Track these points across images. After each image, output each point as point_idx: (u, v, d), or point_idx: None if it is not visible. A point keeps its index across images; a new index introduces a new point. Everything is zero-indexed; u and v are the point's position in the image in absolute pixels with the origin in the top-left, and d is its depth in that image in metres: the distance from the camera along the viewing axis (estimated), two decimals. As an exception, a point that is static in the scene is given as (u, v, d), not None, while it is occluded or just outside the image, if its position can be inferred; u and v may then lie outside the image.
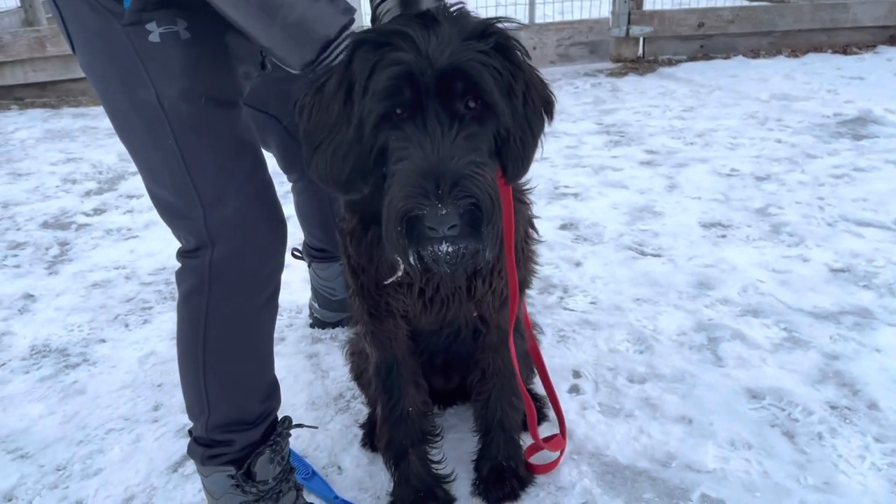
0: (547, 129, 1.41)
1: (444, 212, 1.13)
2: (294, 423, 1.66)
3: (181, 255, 1.49)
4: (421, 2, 1.28)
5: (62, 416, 2.20)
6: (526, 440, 1.88)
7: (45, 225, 3.67)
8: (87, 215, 3.78)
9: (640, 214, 3.45)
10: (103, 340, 2.61)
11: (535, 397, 2.04)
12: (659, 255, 3.02)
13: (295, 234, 3.22)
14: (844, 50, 6.68)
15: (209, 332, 1.46)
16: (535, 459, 1.86)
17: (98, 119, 5.60)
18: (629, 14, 6.48)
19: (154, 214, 3.68)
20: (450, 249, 1.20)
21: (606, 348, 2.39)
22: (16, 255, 3.32)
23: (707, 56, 6.66)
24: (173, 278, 2.99)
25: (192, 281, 1.46)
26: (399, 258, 1.24)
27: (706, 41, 6.71)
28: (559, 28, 6.75)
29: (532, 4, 6.77)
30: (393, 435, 1.76)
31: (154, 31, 1.30)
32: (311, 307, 2.64)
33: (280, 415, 1.68)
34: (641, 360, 2.31)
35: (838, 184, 3.66)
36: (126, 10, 1.28)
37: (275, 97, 2.02)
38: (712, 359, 2.30)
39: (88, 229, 3.61)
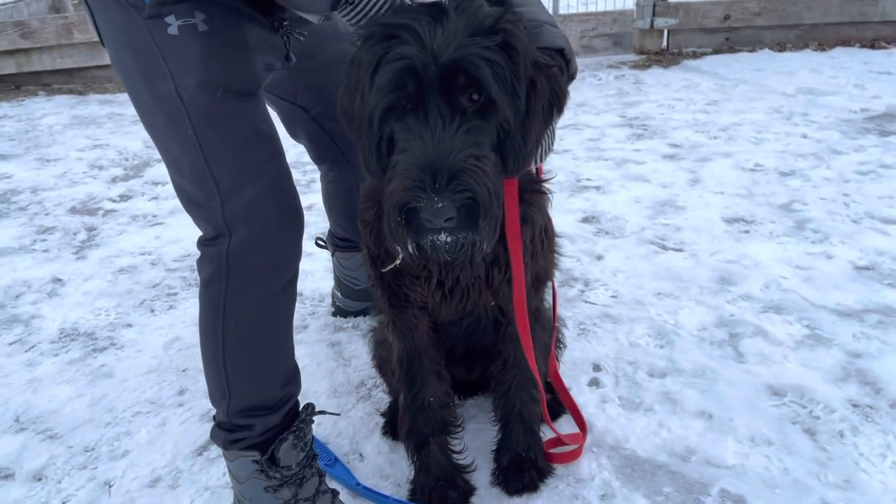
0: (557, 123, 1.42)
1: (440, 205, 1.15)
2: (317, 410, 1.69)
3: (201, 243, 1.52)
4: None
5: (90, 399, 2.24)
6: (546, 432, 1.90)
7: (73, 210, 3.73)
8: (114, 201, 3.84)
9: (663, 208, 3.44)
10: (130, 325, 2.66)
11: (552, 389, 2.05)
12: (681, 250, 3.02)
13: (319, 224, 3.26)
14: (872, 44, 6.57)
15: (228, 318, 1.50)
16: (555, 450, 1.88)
17: (124, 106, 5.67)
18: (654, 5, 6.42)
19: (179, 202, 3.75)
20: (448, 239, 1.23)
21: (627, 342, 2.39)
22: (45, 240, 3.39)
23: (732, 49, 6.59)
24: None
25: (211, 269, 1.50)
26: (398, 247, 1.27)
27: (732, 34, 6.64)
28: (583, 19, 6.72)
29: (556, -5, 6.75)
30: (414, 424, 1.78)
31: (173, 24, 1.33)
32: (333, 296, 2.67)
33: (302, 402, 1.71)
34: (662, 354, 2.31)
35: (864, 180, 3.62)
36: (147, 4, 1.32)
37: (302, 88, 2.04)
38: (733, 355, 2.29)
39: (115, 215, 3.66)
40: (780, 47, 6.59)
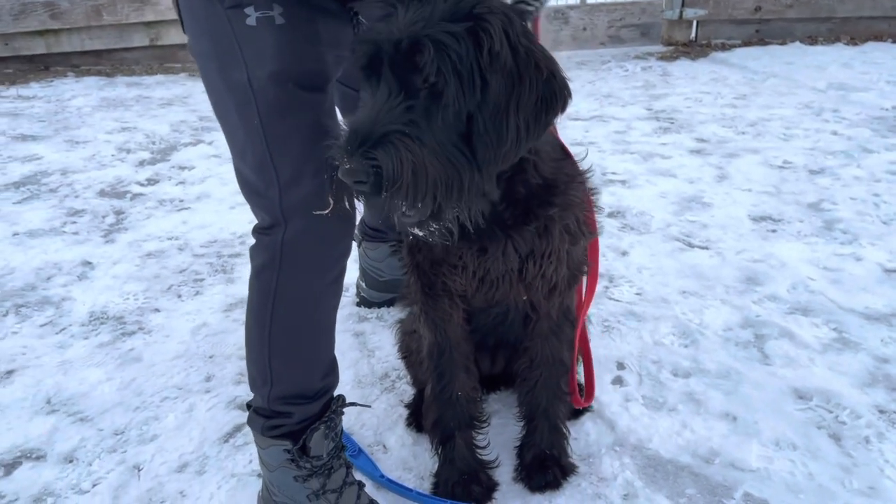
0: (558, 120, 1.39)
1: (348, 166, 1.20)
2: (347, 401, 1.71)
3: (256, 231, 1.55)
4: None
5: (120, 383, 2.28)
6: (570, 429, 1.90)
7: (102, 193, 3.78)
8: (142, 185, 3.88)
9: (689, 205, 3.42)
10: (157, 310, 2.70)
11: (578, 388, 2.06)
12: (707, 248, 3.00)
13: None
14: (906, 39, 6.47)
15: (277, 307, 1.52)
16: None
17: (151, 89, 5.72)
18: (684, -4, 6.36)
19: (205, 187, 3.80)
20: (366, 201, 1.28)
21: (651, 341, 2.39)
22: (74, 222, 3.43)
23: (762, 41, 6.51)
24: (224, 251, 3.10)
25: (264, 257, 1.52)
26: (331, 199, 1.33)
27: (762, 26, 6.55)
28: (611, 9, 6.66)
29: (584, -16, 6.69)
30: (441, 417, 1.80)
31: (251, 15, 1.36)
32: (358, 286, 2.68)
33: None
34: (686, 354, 2.31)
35: (895, 180, 3.57)
36: None
37: None
38: (759, 356, 2.28)
39: (142, 199, 3.71)
40: (812, 40, 6.49)
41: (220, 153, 4.32)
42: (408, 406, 2.11)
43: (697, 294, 2.65)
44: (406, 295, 1.83)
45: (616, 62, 6.19)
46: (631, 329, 2.45)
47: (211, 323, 2.60)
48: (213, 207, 3.51)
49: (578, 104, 5.07)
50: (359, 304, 2.68)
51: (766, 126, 4.48)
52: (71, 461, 1.97)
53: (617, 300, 2.64)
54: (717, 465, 1.86)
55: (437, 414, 1.81)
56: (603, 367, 2.24)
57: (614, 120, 4.75)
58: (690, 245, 3.03)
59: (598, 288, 2.70)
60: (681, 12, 6.44)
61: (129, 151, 4.39)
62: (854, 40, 6.45)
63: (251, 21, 1.36)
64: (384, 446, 2.00)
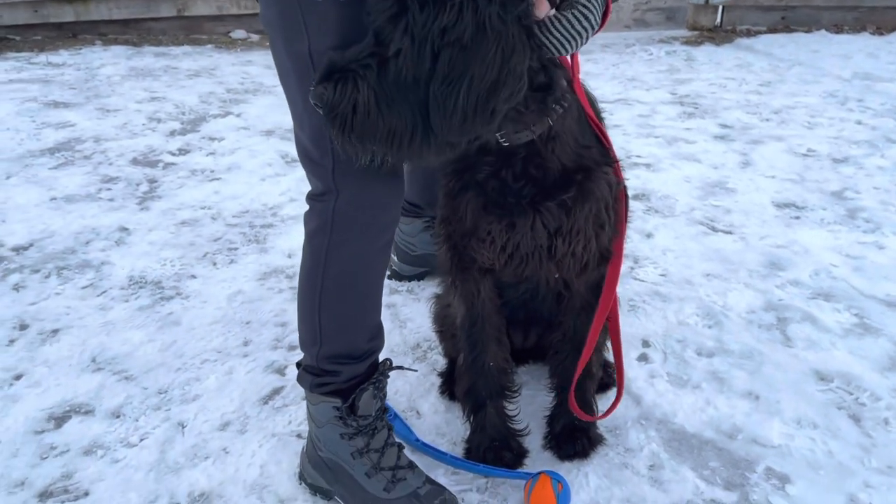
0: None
1: (312, 90, 1.33)
2: (394, 365, 1.79)
3: (310, 197, 1.62)
4: None
5: (161, 344, 2.37)
6: (597, 402, 1.97)
7: (135, 161, 3.85)
8: (173, 154, 3.95)
9: (713, 190, 3.46)
10: (194, 276, 2.77)
11: (606, 364, 2.12)
12: (730, 233, 3.05)
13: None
14: (934, 30, 6.43)
15: (328, 270, 1.60)
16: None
17: (178, 59, 5.77)
18: (711, -20, 6.33)
19: (235, 158, 3.87)
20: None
21: (676, 320, 2.45)
22: (109, 189, 3.51)
23: (788, 28, 6.48)
24: (257, 222, 3.17)
25: (317, 222, 1.60)
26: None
27: (788, 12, 6.52)
28: (637, -9, 6.64)
29: (611, -35, 6.65)
30: (473, 386, 1.86)
31: None
32: (390, 259, 2.75)
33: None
34: (710, 334, 2.37)
35: (919, 171, 3.60)
36: None
37: None
38: (781, 339, 2.34)
39: (174, 168, 3.78)
40: (837, 29, 6.46)
41: (249, 125, 4.38)
42: (440, 374, 2.18)
43: (721, 277, 2.71)
44: (440, 266, 1.89)
45: (640, 46, 6.19)
46: (656, 309, 2.51)
47: (246, 290, 2.67)
48: (244, 179, 3.57)
49: (602, 87, 5.09)
50: (390, 277, 2.74)
51: (791, 114, 4.50)
52: (118, 416, 2.06)
53: (642, 280, 2.70)
54: (740, 441, 1.93)
55: (469, 383, 1.87)
56: (629, 345, 2.30)
57: (638, 103, 4.77)
58: (714, 229, 3.08)
59: (624, 268, 2.76)
60: (707, -3, 6.42)
61: (159, 121, 4.45)
62: (880, 30, 6.42)
63: None
64: (418, 412, 2.08)
